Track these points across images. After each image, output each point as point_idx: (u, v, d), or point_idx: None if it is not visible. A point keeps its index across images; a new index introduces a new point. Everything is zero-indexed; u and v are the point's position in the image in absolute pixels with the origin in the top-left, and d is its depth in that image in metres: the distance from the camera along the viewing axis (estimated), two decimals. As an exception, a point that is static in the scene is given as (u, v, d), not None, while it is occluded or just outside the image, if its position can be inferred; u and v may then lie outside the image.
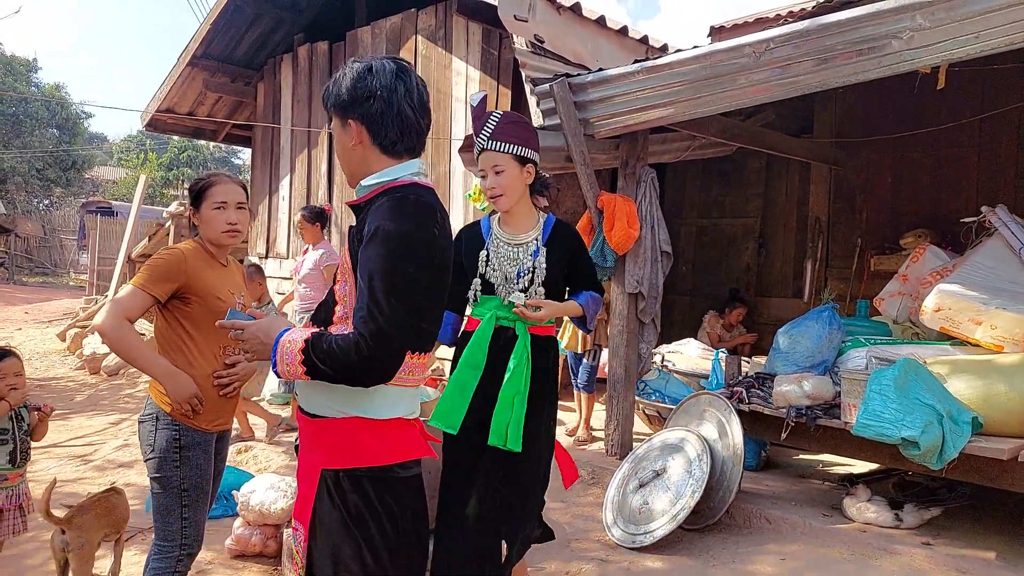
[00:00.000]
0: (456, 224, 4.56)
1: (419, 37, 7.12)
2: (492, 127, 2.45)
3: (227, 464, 4.52)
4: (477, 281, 2.55)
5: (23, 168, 25.25)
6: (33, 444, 3.18)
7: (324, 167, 8.21)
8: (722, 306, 6.84)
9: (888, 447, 3.31)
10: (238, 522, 3.52)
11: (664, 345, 5.98)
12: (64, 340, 9.84)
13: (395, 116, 1.68)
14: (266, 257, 9.11)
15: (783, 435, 3.69)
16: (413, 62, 7.17)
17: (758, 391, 3.96)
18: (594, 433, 5.34)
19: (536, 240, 2.54)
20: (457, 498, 2.45)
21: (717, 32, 6.36)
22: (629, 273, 4.55)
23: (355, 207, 1.75)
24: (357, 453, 1.66)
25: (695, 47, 3.87)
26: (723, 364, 4.52)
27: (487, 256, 2.55)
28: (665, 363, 5.64)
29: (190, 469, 2.36)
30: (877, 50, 3.18)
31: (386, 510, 1.66)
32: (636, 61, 4.10)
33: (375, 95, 1.66)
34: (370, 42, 7.68)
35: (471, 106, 2.54)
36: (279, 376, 1.65)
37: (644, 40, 5.98)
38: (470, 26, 6.54)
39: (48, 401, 4.06)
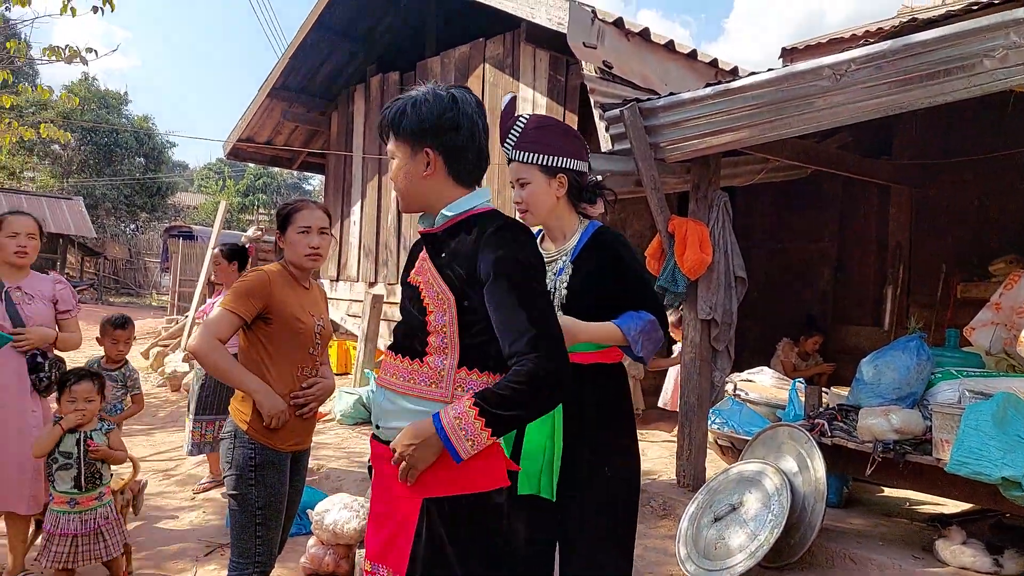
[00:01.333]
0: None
1: (487, 65, 7.23)
2: (517, 134, 2.16)
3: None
4: None
5: (113, 194, 26.75)
6: (115, 468, 3.24)
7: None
8: (796, 334, 6.63)
9: (985, 486, 3.11)
10: (312, 541, 3.57)
11: (736, 373, 5.83)
12: (147, 358, 10.28)
13: (476, 149, 1.72)
14: (337, 280, 9.33)
15: (868, 470, 3.52)
16: (480, 90, 7.28)
17: (841, 424, 3.79)
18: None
19: (566, 257, 2.17)
20: (515, 555, 2.14)
21: (789, 54, 6.25)
22: (702, 299, 4.46)
23: (431, 235, 1.75)
24: (461, 480, 1.63)
25: (770, 70, 3.79)
26: (801, 394, 4.36)
27: None
28: (738, 392, 5.49)
29: (265, 488, 2.39)
30: (966, 69, 3.04)
31: (485, 538, 1.66)
32: (708, 85, 4.05)
33: (461, 127, 1.68)
34: (439, 71, 7.85)
35: (501, 109, 2.27)
36: (461, 458, 1.56)
37: (713, 63, 5.91)
38: (537, 53, 6.61)
39: (133, 417, 4.25)
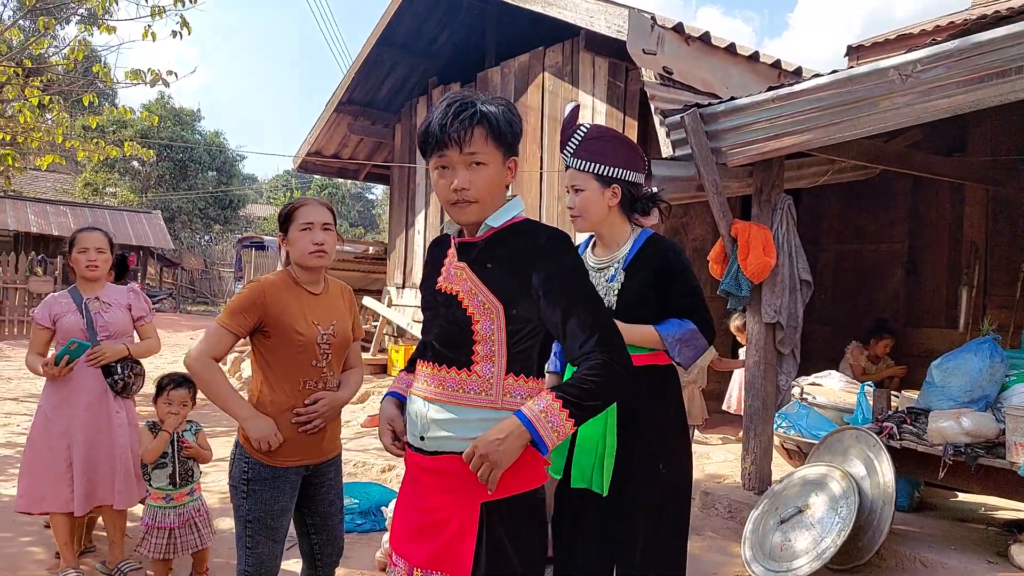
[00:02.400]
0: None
1: (546, 74, 7.34)
2: (577, 142, 2.21)
3: (374, 482, 4.82)
4: None
5: (188, 207, 27.96)
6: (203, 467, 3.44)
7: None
8: (867, 337, 6.49)
9: (1063, 491, 3.04)
10: (386, 536, 3.73)
11: (803, 377, 5.75)
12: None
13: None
14: (403, 287, 9.59)
15: (940, 474, 3.47)
16: (540, 98, 7.40)
17: (910, 427, 3.74)
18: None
19: (618, 264, 2.22)
20: (569, 551, 2.21)
21: (855, 51, 6.15)
22: (766, 302, 4.45)
23: (471, 244, 1.76)
24: (515, 480, 1.68)
25: (833, 72, 3.78)
26: (870, 398, 4.30)
27: None
28: (804, 396, 5.43)
29: (255, 503, 2.33)
30: (1037, 66, 3.00)
31: (536, 533, 1.73)
32: (769, 88, 4.06)
33: (519, 137, 1.76)
34: (500, 81, 8.01)
35: (563, 115, 2.29)
36: (548, 449, 1.62)
37: (776, 64, 5.88)
38: (596, 61, 6.69)
39: (211, 420, 4.48)
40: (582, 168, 2.21)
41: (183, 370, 2.93)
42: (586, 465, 2.10)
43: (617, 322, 2.05)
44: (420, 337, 1.90)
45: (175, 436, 3.25)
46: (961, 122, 6.02)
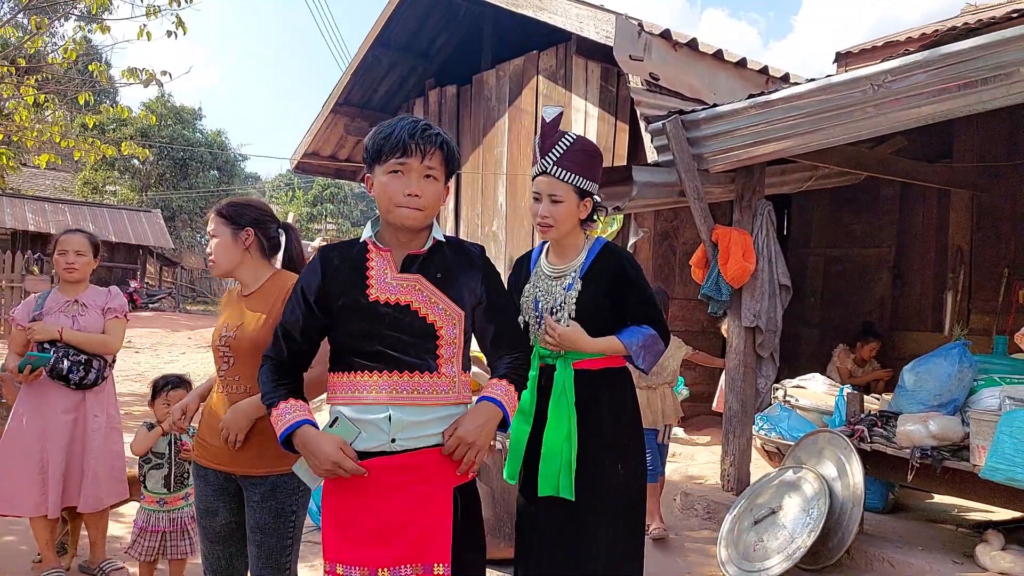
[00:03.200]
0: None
1: (540, 77, 7.41)
2: (561, 151, 2.21)
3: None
4: (521, 318, 2.28)
5: (188, 206, 28.03)
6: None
7: (452, 205, 8.65)
8: (854, 340, 6.56)
9: (1022, 492, 3.11)
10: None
11: (787, 380, 5.83)
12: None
13: None
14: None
15: (909, 477, 3.54)
16: (534, 101, 7.47)
17: (881, 430, 3.81)
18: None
19: (575, 272, 2.25)
20: (531, 555, 2.24)
21: (844, 58, 6.22)
22: (746, 307, 4.52)
23: (414, 255, 1.89)
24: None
25: (811, 80, 3.86)
26: (847, 400, 4.37)
27: (529, 291, 2.32)
28: (788, 398, 5.50)
29: (196, 495, 2.36)
30: (1004, 78, 3.06)
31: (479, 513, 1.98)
32: (750, 96, 4.13)
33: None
34: (495, 84, 8.08)
35: (543, 119, 2.25)
36: (509, 424, 1.97)
37: (764, 71, 5.94)
38: (589, 65, 6.75)
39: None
40: (565, 179, 2.20)
41: (190, 368, 2.95)
42: (552, 472, 2.14)
43: (586, 335, 2.18)
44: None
45: (172, 438, 3.19)
46: (947, 128, 6.09)
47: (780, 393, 5.55)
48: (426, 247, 1.87)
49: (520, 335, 2.09)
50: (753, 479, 4.47)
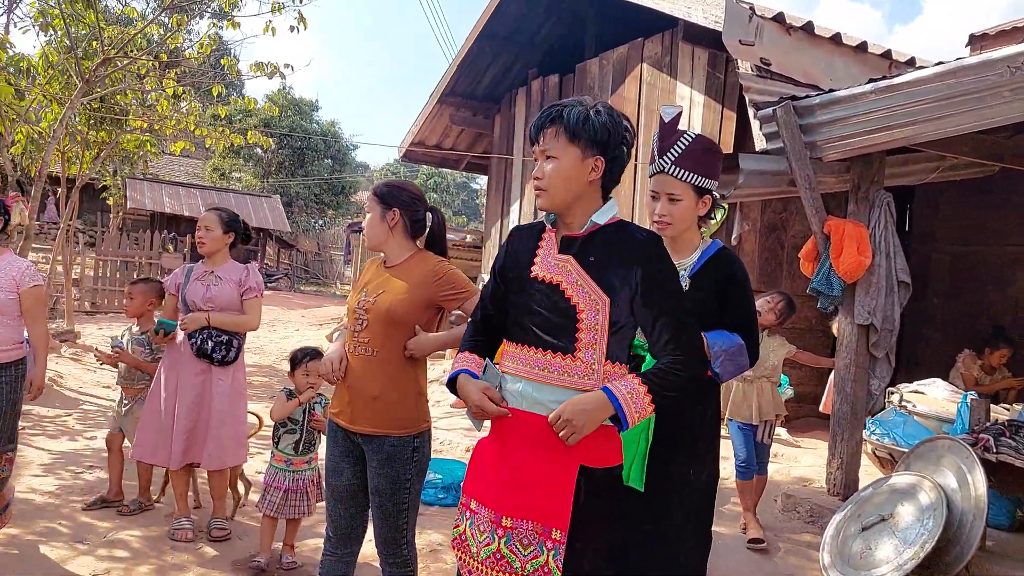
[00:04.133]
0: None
1: (644, 65, 7.29)
2: (681, 150, 2.21)
3: (458, 460, 5.00)
4: None
5: (304, 193, 29.40)
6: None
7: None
8: (982, 345, 6.10)
9: None
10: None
11: (905, 384, 5.49)
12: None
13: (624, 166, 1.90)
14: (498, 276, 9.79)
15: (1039, 492, 3.27)
16: (638, 89, 7.36)
17: (1009, 440, 3.53)
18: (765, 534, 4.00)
19: (685, 271, 2.27)
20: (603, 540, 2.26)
21: (978, 40, 5.76)
22: (859, 303, 4.29)
23: (573, 238, 1.88)
24: (607, 453, 1.86)
25: (939, 63, 3.59)
26: (971, 407, 4.08)
27: None
28: (904, 403, 5.18)
29: (326, 454, 2.54)
30: None
31: (614, 506, 1.89)
32: (871, 80, 3.90)
33: (628, 146, 1.88)
34: (598, 73, 8.01)
35: (661, 119, 2.26)
36: (628, 425, 1.79)
37: (886, 55, 5.59)
38: (695, 52, 6.58)
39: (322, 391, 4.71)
40: (684, 178, 2.22)
41: (304, 344, 3.31)
42: (625, 461, 2.11)
43: None
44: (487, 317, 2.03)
45: (307, 407, 3.42)
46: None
47: (895, 397, 5.24)
48: (583, 230, 1.87)
49: (682, 337, 1.83)
50: (861, 485, 4.26)
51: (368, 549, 2.74)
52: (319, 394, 3.48)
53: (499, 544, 1.85)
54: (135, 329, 4.11)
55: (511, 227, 9.45)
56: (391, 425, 2.37)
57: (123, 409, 4.04)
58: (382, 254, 2.55)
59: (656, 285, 1.84)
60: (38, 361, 3.33)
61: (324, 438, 3.38)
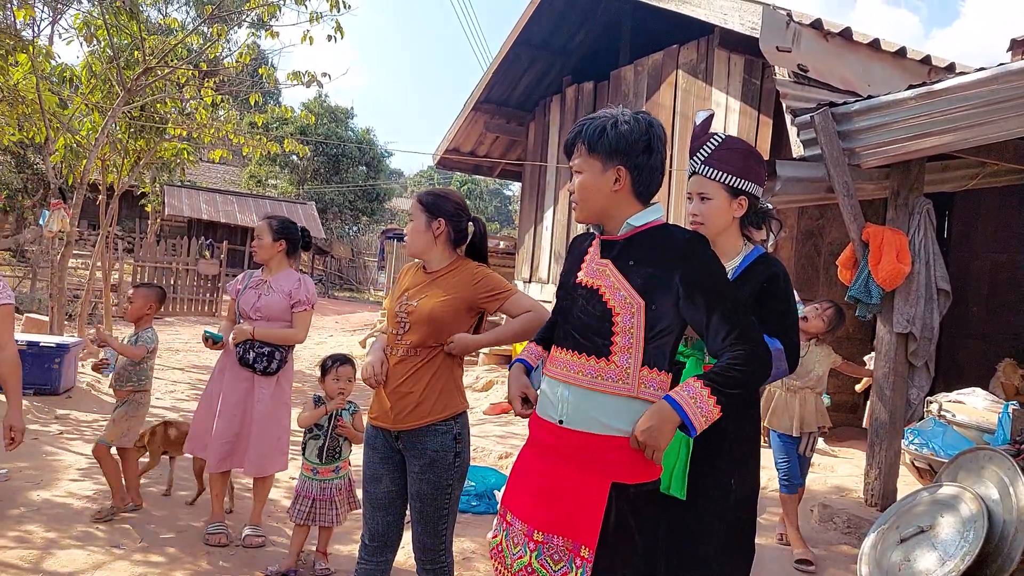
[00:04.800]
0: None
1: (680, 72, 7.28)
2: (709, 151, 2.24)
3: (491, 467, 5.04)
4: None
5: (339, 199, 29.76)
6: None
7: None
8: (1023, 354, 5.97)
9: None
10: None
11: (943, 394, 5.41)
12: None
13: (658, 172, 1.89)
14: (529, 281, 9.83)
15: (1085, 505, 3.19)
16: (673, 96, 7.35)
17: (1053, 452, 3.47)
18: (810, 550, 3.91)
19: (729, 273, 2.23)
20: (634, 557, 2.19)
21: (1020, 45, 5.64)
22: (898, 311, 4.25)
23: (612, 242, 1.91)
24: (643, 470, 1.82)
25: (980, 69, 3.55)
26: (1012, 417, 4.00)
27: None
28: (943, 413, 5.10)
29: (364, 462, 2.56)
30: None
31: (652, 520, 1.89)
32: (910, 87, 3.87)
33: (654, 150, 1.87)
34: (633, 79, 8.02)
35: (694, 124, 2.31)
36: (696, 430, 1.76)
37: (926, 60, 5.51)
38: (731, 58, 6.56)
39: (351, 397, 4.75)
40: (713, 177, 2.23)
41: (337, 350, 3.15)
42: (666, 468, 2.11)
43: None
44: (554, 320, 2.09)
45: (333, 414, 3.38)
46: None
47: (934, 407, 5.16)
48: (620, 233, 1.89)
49: (737, 329, 1.78)
50: (900, 495, 4.20)
51: (402, 556, 2.74)
52: (349, 401, 3.46)
53: (531, 558, 1.85)
54: (129, 332, 4.10)
55: (544, 234, 9.53)
56: (433, 415, 2.42)
57: (115, 414, 3.95)
58: (419, 259, 2.59)
59: (700, 282, 1.80)
60: (10, 399, 2.75)
61: (353, 446, 3.45)
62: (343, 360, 3.45)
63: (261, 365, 3.62)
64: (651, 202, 1.94)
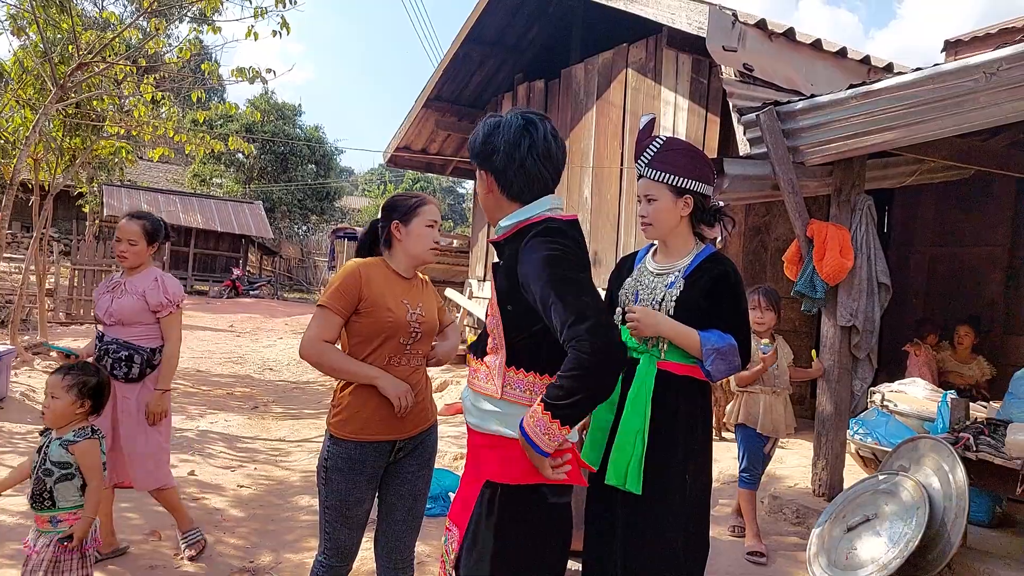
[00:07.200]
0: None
1: (629, 70, 7.34)
2: (652, 152, 2.28)
3: (445, 468, 5.00)
4: (619, 310, 2.31)
5: (288, 199, 29.24)
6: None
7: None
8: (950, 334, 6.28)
9: None
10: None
11: (886, 384, 5.57)
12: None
13: (517, 169, 1.85)
14: (484, 280, 9.80)
15: (1019, 490, 3.33)
16: (623, 94, 7.41)
17: (988, 439, 3.60)
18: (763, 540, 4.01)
19: (678, 272, 2.27)
20: (601, 542, 2.24)
21: (954, 46, 5.87)
22: (842, 305, 4.36)
23: (496, 244, 1.93)
24: (518, 471, 1.80)
25: (916, 70, 3.66)
26: (951, 406, 4.14)
27: (630, 284, 2.36)
28: (885, 403, 5.25)
29: (331, 491, 2.37)
30: None
31: (534, 529, 1.84)
32: (851, 86, 3.97)
33: (498, 151, 1.85)
34: (583, 77, 8.05)
35: (638, 127, 2.35)
36: (548, 453, 1.70)
37: (865, 60, 5.67)
38: (679, 57, 6.64)
39: (300, 402, 4.62)
40: (657, 178, 2.26)
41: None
42: (621, 463, 2.13)
43: (664, 316, 2.20)
44: None
45: (42, 446, 2.67)
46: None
47: (877, 397, 5.31)
48: (497, 235, 1.94)
49: (572, 312, 1.63)
50: (846, 485, 4.31)
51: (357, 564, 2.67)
52: (81, 428, 2.68)
53: (444, 545, 2.01)
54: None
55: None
56: (432, 415, 2.61)
57: None
58: (382, 262, 2.49)
59: (535, 273, 1.71)
60: None
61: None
62: (59, 370, 2.70)
63: (121, 371, 3.30)
64: (537, 199, 1.87)
